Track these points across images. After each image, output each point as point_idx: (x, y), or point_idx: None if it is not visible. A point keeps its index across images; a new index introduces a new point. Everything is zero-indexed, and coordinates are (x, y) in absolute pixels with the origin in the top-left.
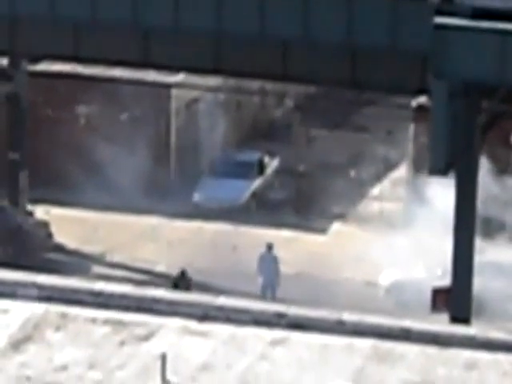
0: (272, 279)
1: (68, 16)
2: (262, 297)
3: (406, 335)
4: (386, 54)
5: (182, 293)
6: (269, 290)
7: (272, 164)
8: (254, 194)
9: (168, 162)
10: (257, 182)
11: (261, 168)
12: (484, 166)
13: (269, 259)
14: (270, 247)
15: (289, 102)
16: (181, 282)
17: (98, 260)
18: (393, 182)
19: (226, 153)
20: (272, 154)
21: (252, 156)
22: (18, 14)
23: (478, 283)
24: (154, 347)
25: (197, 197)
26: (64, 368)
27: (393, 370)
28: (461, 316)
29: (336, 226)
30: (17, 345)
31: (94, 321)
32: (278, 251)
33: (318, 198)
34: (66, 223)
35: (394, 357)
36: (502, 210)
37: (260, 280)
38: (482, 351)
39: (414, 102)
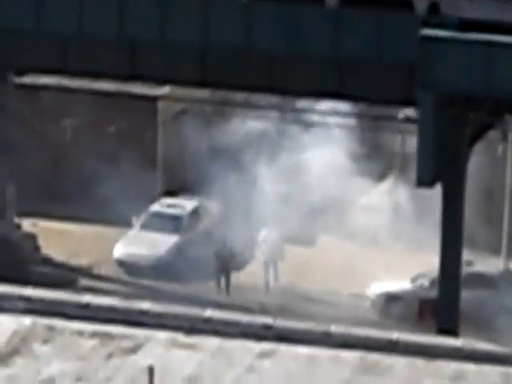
0: (274, 256)
1: (54, 28)
2: (265, 273)
3: (393, 347)
4: (372, 65)
5: (170, 306)
6: (271, 267)
7: (211, 212)
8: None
9: (154, 175)
10: (185, 236)
11: (195, 219)
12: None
13: (270, 237)
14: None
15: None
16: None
17: (85, 273)
18: (380, 193)
19: (156, 204)
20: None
21: (184, 207)
22: (4, 27)
23: (465, 294)
24: (141, 360)
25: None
26: (51, 381)
27: (380, 381)
28: (448, 327)
29: (323, 238)
30: (4, 358)
31: (81, 333)
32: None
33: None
34: (54, 236)
35: (382, 369)
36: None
37: (262, 258)
38: (469, 362)
39: (401, 114)
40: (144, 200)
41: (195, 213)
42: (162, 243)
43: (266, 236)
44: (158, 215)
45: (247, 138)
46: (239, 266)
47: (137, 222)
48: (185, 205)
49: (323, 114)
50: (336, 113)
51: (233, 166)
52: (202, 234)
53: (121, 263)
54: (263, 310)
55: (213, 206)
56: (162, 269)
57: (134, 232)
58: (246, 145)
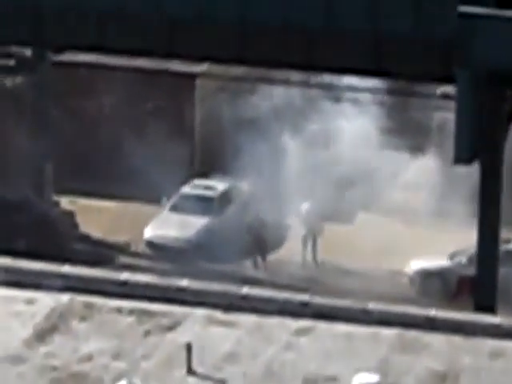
0: (314, 230)
1: (93, 5)
2: (303, 248)
3: (431, 324)
4: (410, 42)
5: (208, 283)
6: (310, 242)
7: (243, 193)
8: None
9: (192, 153)
10: (215, 218)
11: (226, 200)
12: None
13: (310, 210)
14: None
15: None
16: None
17: (123, 250)
18: (418, 170)
19: (187, 185)
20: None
21: (215, 188)
22: (42, 5)
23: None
24: (179, 337)
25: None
26: (89, 358)
27: (418, 359)
28: (486, 304)
29: (361, 216)
30: (42, 335)
31: (119, 311)
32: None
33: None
34: (92, 213)
35: (419, 346)
36: None
37: (301, 232)
38: (508, 340)
39: (439, 91)
40: (181, 178)
41: (226, 194)
42: (192, 225)
43: (305, 210)
44: (189, 197)
45: (283, 115)
46: (275, 242)
47: (167, 203)
48: (216, 186)
49: (360, 91)
50: (374, 89)
51: (268, 143)
52: (233, 216)
53: (150, 245)
54: (300, 287)
55: (245, 187)
56: (192, 251)
57: (164, 214)
58: (282, 122)
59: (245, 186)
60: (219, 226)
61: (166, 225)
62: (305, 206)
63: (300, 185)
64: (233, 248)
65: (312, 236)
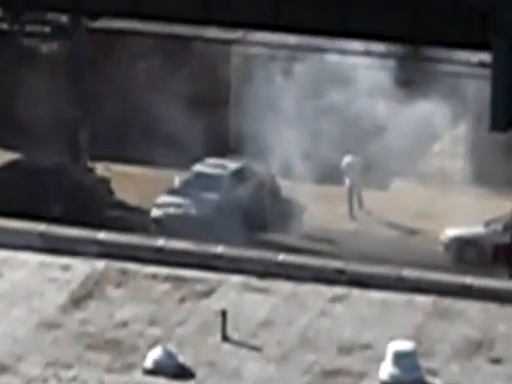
0: (356, 182)
1: None
2: (349, 199)
3: (466, 292)
4: (447, 9)
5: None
6: (355, 193)
7: (258, 172)
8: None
9: (227, 119)
10: (225, 197)
11: (237, 179)
12: None
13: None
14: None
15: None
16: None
17: None
18: (453, 138)
19: (200, 163)
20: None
21: (227, 167)
22: None
23: None
24: (214, 303)
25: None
26: (124, 324)
27: (453, 326)
28: None
29: (396, 183)
30: (78, 302)
31: (154, 277)
32: (338, 207)
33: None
34: (127, 180)
35: (455, 313)
36: None
37: (346, 181)
38: None
39: (475, 58)
40: (216, 144)
41: (238, 173)
42: (201, 202)
43: (349, 162)
44: (200, 175)
45: (320, 83)
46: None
47: (179, 180)
48: (228, 165)
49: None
50: (412, 56)
51: (303, 111)
52: (244, 195)
53: (157, 222)
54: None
55: (260, 167)
56: (200, 228)
57: (175, 191)
58: (319, 89)
59: (260, 166)
60: (228, 204)
61: (174, 202)
62: (347, 159)
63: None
64: (239, 227)
65: (357, 188)
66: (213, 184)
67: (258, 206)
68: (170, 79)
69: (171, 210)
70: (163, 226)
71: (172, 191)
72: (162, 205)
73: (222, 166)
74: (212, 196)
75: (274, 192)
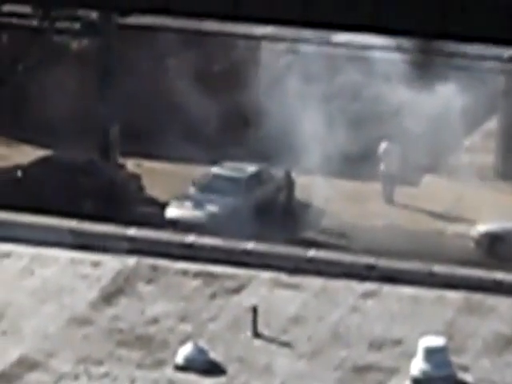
0: (393, 169)
1: None
2: (384, 186)
3: (497, 287)
4: (476, 3)
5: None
6: (388, 179)
7: (275, 177)
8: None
9: (258, 116)
10: (242, 200)
11: (255, 183)
12: None
13: (392, 149)
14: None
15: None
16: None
17: None
18: (484, 133)
19: (218, 166)
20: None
21: (244, 170)
22: None
23: None
24: (245, 299)
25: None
26: (155, 321)
27: (484, 322)
28: None
29: (427, 178)
30: (108, 298)
31: (185, 273)
32: (370, 204)
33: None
34: (158, 176)
35: (486, 309)
36: None
37: (382, 168)
38: None
39: (506, 54)
40: (247, 141)
41: (256, 177)
42: (217, 205)
43: (386, 148)
44: (218, 177)
45: (352, 78)
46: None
47: (196, 183)
48: (246, 168)
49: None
50: (441, 52)
51: (332, 107)
52: (260, 198)
53: (173, 224)
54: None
55: (278, 172)
56: (215, 230)
57: (192, 193)
58: (350, 85)
59: (277, 171)
60: (245, 207)
61: (190, 204)
62: (383, 145)
63: (365, 145)
64: (254, 230)
65: (391, 176)
66: (230, 187)
67: (275, 210)
68: (200, 75)
69: (188, 213)
70: (179, 229)
71: (188, 193)
72: (179, 206)
73: (240, 169)
74: (229, 199)
75: (291, 193)
